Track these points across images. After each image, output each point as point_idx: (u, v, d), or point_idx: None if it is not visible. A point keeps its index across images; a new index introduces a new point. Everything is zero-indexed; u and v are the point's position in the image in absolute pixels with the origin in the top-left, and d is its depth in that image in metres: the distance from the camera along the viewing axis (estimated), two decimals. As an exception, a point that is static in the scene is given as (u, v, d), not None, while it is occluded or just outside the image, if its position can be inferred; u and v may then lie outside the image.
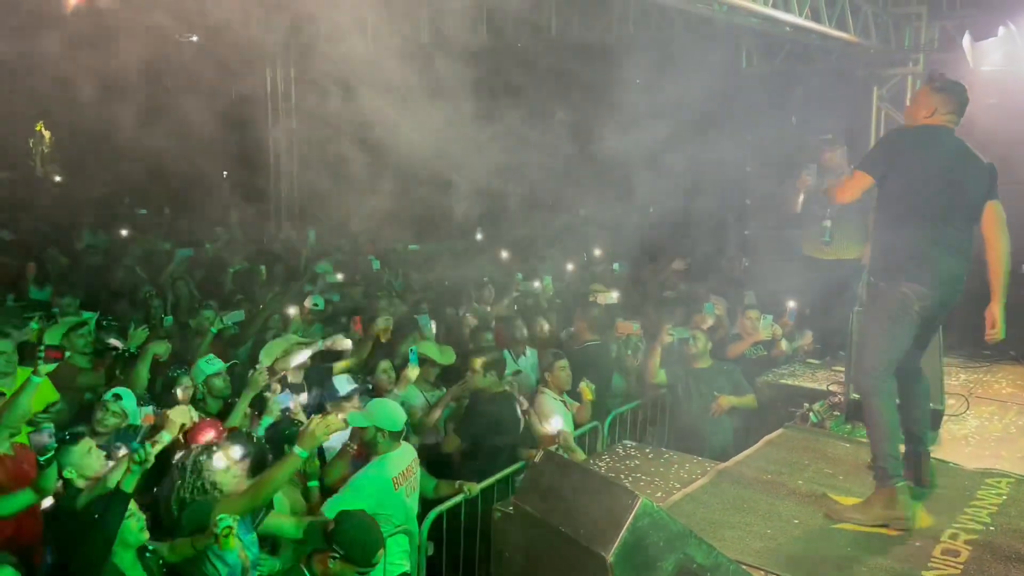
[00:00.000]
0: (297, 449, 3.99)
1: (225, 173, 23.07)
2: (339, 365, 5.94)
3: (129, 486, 3.51)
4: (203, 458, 3.92)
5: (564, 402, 6.11)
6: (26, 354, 5.47)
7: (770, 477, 4.65)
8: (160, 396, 5.33)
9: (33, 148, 30.18)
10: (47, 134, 30.06)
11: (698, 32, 10.14)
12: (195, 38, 23.28)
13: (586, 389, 6.09)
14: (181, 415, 4.14)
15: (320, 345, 5.88)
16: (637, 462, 5.01)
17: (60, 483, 3.88)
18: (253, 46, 15.17)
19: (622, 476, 4.75)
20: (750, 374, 6.75)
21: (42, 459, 3.78)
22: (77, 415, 5.20)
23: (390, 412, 4.57)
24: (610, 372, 7.09)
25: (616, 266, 10.51)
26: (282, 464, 3.99)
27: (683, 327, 6.90)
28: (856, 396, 5.60)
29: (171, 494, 3.89)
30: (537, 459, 3.61)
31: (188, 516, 3.86)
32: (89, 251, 10.60)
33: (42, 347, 4.51)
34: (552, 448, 5.43)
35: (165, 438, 4.06)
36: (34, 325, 5.57)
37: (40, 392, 4.70)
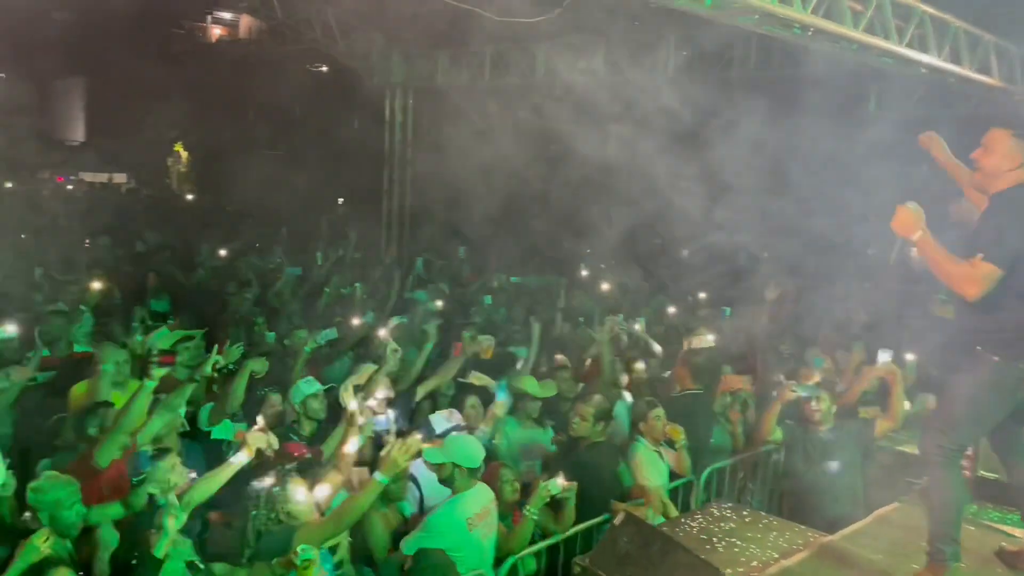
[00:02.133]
0: (378, 475, 3.95)
1: (341, 200, 23.96)
2: (423, 387, 6.02)
3: (160, 551, 3.52)
4: (276, 491, 3.88)
5: (659, 452, 5.82)
6: (135, 366, 5.65)
7: (880, 557, 4.22)
8: (252, 414, 5.37)
9: (170, 167, 32.22)
10: (184, 154, 32.02)
11: (824, 72, 9.73)
12: (324, 68, 24.50)
13: (675, 431, 5.78)
14: (258, 439, 4.13)
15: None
16: (732, 525, 4.67)
17: None
18: (375, 77, 15.72)
19: (715, 540, 4.42)
20: (864, 435, 6.23)
21: (135, 480, 3.84)
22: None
23: (468, 449, 4.44)
24: (710, 424, 6.72)
25: (727, 311, 10.07)
26: (364, 492, 3.94)
27: (794, 381, 6.45)
28: (986, 474, 5.10)
29: (246, 523, 3.87)
30: (617, 521, 3.36)
31: (267, 543, 3.82)
32: (205, 267, 11.07)
33: (155, 352, 4.67)
34: (641, 502, 5.15)
35: (241, 459, 4.06)
36: (139, 338, 5.74)
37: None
